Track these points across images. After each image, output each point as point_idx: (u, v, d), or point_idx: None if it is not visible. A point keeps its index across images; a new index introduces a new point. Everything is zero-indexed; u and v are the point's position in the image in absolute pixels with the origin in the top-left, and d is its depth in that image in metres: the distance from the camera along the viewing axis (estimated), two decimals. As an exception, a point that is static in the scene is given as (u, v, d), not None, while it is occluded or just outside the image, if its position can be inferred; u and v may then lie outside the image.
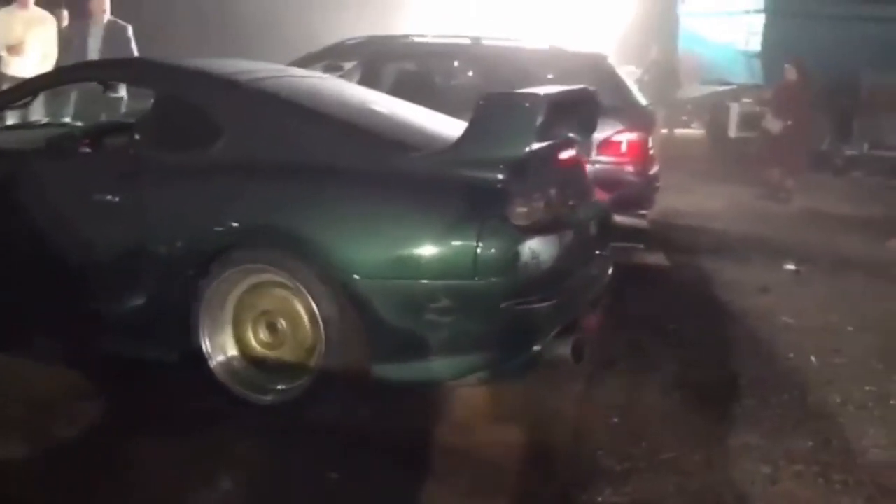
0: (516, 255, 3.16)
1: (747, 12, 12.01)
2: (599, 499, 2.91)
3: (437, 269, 3.14)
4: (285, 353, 3.35)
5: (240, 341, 3.41)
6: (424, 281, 3.14)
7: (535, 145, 3.34)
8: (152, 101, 3.87)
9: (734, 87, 12.39)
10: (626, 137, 6.23)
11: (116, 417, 3.40)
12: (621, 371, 3.97)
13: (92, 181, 3.60)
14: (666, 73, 12.18)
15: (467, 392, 3.55)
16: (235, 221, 3.35)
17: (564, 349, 3.36)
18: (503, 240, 3.14)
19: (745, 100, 12.10)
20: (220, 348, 3.39)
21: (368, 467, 3.04)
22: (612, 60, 6.92)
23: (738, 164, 10.98)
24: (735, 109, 12.07)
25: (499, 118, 3.30)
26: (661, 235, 7.01)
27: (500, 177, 3.22)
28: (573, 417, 3.54)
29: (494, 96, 3.39)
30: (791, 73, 9.74)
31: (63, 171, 3.78)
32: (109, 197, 3.48)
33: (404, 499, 2.92)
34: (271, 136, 3.50)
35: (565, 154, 3.68)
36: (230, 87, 3.67)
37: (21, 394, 3.53)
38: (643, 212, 7.03)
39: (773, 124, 9.74)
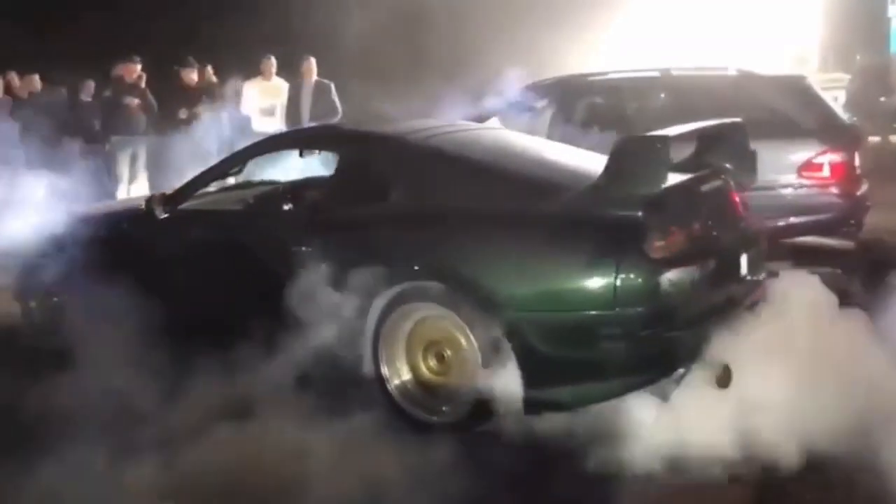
0: (654, 286, 3.35)
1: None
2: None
3: (581, 301, 3.41)
4: (451, 379, 3.75)
5: (412, 367, 3.86)
6: (570, 312, 3.42)
7: (673, 180, 3.54)
8: (337, 161, 4.44)
9: (958, 88, 11.44)
10: (828, 158, 6.03)
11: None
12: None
13: (292, 233, 4.17)
14: (876, 78, 11.46)
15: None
16: (406, 264, 3.79)
17: (710, 375, 3.48)
18: (640, 272, 3.34)
19: (973, 102, 11.11)
20: (396, 373, 3.86)
21: (553, 481, 3.32)
22: (819, 70, 6.65)
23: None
24: (961, 113, 11.13)
25: (633, 159, 3.52)
26: (869, 259, 6.44)
27: (637, 213, 3.42)
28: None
29: (627, 139, 3.62)
30: None
31: (271, 225, 4.44)
32: (304, 248, 4.04)
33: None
34: (436, 187, 3.93)
35: (709, 185, 3.81)
36: (400, 146, 4.18)
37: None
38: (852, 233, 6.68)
39: None
